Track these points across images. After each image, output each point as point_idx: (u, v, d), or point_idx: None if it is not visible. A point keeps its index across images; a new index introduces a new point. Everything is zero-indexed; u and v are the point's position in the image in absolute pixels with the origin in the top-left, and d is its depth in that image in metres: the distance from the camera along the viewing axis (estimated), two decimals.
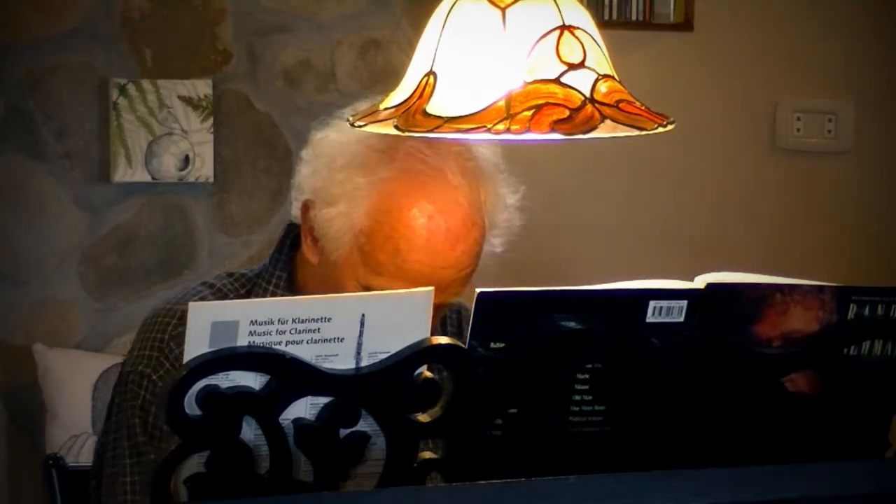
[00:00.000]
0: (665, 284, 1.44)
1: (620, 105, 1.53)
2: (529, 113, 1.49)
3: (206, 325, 1.29)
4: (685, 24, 3.63)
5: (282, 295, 1.80)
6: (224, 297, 1.81)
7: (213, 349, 1.29)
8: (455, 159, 1.75)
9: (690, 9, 3.63)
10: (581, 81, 1.52)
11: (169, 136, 3.23)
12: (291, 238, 1.85)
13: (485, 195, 1.78)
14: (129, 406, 1.74)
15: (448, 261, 1.72)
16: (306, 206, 1.78)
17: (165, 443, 1.68)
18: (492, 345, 1.39)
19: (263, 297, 1.81)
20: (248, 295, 1.81)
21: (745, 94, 3.71)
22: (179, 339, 1.70)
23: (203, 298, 1.80)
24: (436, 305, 1.42)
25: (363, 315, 1.35)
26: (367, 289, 1.71)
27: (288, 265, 1.83)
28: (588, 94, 1.51)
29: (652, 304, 1.42)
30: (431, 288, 1.39)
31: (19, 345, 3.20)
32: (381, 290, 1.66)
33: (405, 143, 1.72)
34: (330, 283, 1.76)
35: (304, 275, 1.83)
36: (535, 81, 1.51)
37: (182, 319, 1.73)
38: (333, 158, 1.76)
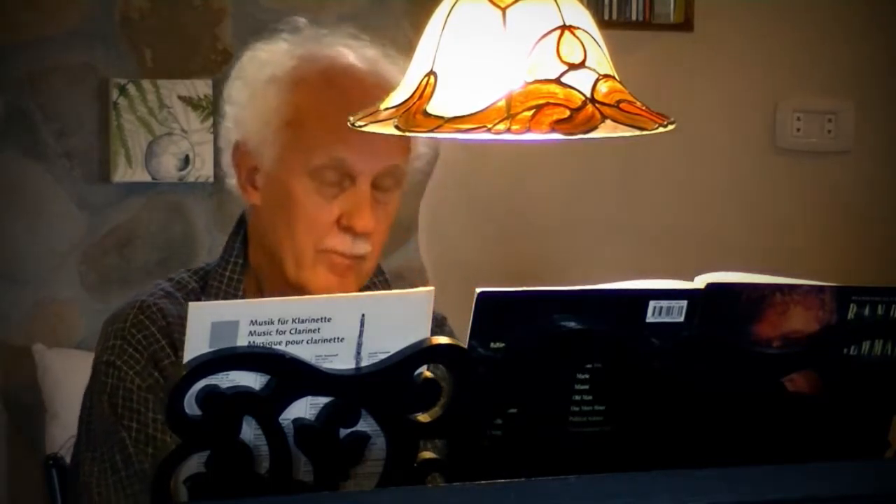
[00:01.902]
0: (665, 284, 1.44)
1: (621, 105, 1.53)
2: (530, 113, 1.49)
3: (206, 325, 1.29)
4: (685, 24, 3.63)
5: (238, 279, 1.84)
6: (183, 287, 1.84)
7: (213, 349, 1.29)
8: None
9: (690, 9, 3.63)
10: (581, 81, 1.52)
11: (169, 136, 3.24)
12: (240, 223, 1.91)
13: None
14: (98, 395, 1.78)
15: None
16: (237, 147, 1.85)
17: (137, 423, 1.75)
18: (492, 345, 1.39)
19: (220, 284, 1.86)
20: (204, 283, 1.85)
21: (745, 94, 3.71)
22: (140, 325, 1.79)
23: (163, 290, 1.85)
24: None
25: (363, 315, 1.35)
26: (321, 173, 1.80)
27: (242, 250, 1.87)
28: (588, 94, 1.51)
29: (652, 304, 1.42)
30: (431, 288, 1.39)
31: (19, 345, 3.20)
32: (336, 158, 1.79)
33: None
34: (280, 215, 1.82)
35: (256, 251, 1.87)
36: (536, 81, 1.51)
37: (141, 309, 1.78)
38: (254, 85, 1.86)
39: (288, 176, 1.81)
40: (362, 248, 1.80)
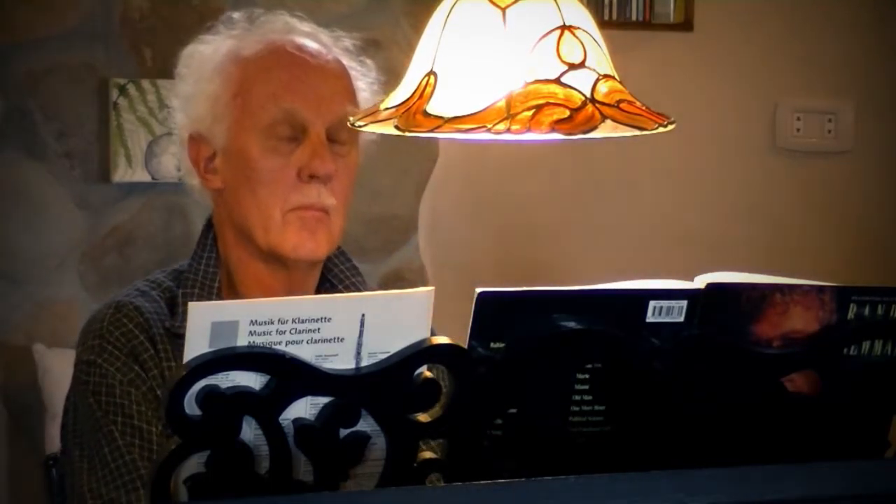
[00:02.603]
0: (665, 284, 1.44)
1: (621, 105, 1.53)
2: (530, 113, 1.49)
3: (206, 325, 1.29)
4: (685, 24, 3.63)
5: (213, 272, 1.87)
6: (157, 286, 1.89)
7: (213, 349, 1.29)
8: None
9: (690, 9, 3.63)
10: (581, 81, 1.52)
11: (169, 137, 3.23)
12: (208, 225, 1.95)
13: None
14: (82, 393, 1.81)
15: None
16: (192, 139, 1.90)
17: (122, 416, 1.78)
18: (492, 345, 1.39)
19: (195, 278, 1.89)
20: (178, 281, 1.90)
21: (745, 94, 3.71)
22: (118, 323, 1.83)
23: (138, 289, 1.89)
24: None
25: (363, 315, 1.35)
26: (274, 131, 1.86)
27: (213, 246, 1.90)
28: (588, 94, 1.51)
29: (652, 304, 1.41)
30: (432, 288, 1.39)
31: (19, 345, 3.20)
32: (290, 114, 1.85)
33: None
34: (244, 186, 1.87)
35: (225, 238, 1.89)
36: (536, 81, 1.51)
37: (118, 308, 1.81)
38: (198, 73, 1.92)
39: (243, 144, 1.86)
40: (327, 198, 1.84)
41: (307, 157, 1.84)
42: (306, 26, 1.95)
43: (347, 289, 1.91)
